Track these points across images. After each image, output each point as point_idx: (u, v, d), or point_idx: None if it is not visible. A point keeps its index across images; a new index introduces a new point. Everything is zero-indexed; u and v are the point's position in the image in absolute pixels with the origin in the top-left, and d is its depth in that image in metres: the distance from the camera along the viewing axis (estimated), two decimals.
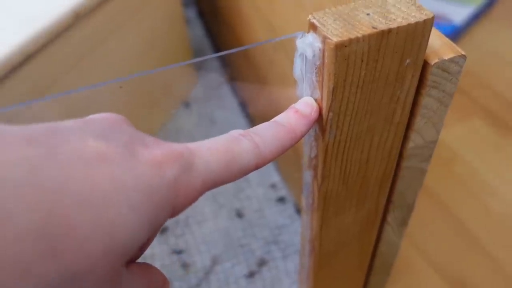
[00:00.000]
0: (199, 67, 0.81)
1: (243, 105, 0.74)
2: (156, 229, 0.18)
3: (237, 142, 0.21)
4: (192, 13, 0.92)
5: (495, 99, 0.81)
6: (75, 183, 0.15)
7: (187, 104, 0.75)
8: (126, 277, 0.18)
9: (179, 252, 0.57)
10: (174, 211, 0.18)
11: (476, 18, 0.95)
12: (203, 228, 0.60)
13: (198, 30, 0.89)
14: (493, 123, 0.77)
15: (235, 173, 0.20)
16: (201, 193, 0.19)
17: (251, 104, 0.68)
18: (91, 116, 0.19)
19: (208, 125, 0.71)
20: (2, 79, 0.42)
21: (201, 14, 0.91)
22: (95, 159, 0.16)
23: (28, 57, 0.44)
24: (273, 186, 0.64)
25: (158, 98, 0.69)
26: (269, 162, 0.22)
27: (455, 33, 0.90)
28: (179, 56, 0.74)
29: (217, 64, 0.82)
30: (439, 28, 0.90)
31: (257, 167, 0.21)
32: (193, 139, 0.66)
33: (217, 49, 0.85)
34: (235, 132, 0.21)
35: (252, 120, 0.71)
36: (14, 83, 0.44)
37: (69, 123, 0.17)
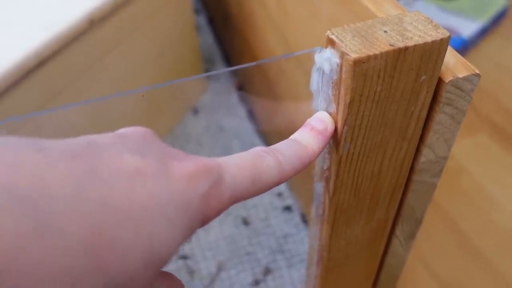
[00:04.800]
0: (209, 75, 0.81)
1: (252, 113, 0.74)
2: (188, 238, 0.18)
3: (261, 158, 0.21)
4: (202, 20, 0.93)
5: (502, 113, 0.81)
6: (116, 198, 0.16)
7: (195, 111, 0.76)
8: (157, 284, 0.18)
9: (185, 257, 0.58)
10: (204, 222, 0.19)
11: (484, 32, 0.96)
12: (209, 235, 0.60)
13: (208, 37, 0.90)
14: (500, 138, 0.77)
15: (260, 188, 0.21)
16: (228, 206, 0.20)
17: (261, 112, 0.69)
18: (124, 130, 0.20)
19: (216, 132, 0.72)
20: (18, 82, 0.43)
21: (212, 21, 0.92)
22: (133, 175, 0.17)
23: (43, 61, 0.45)
24: (279, 194, 0.64)
25: (167, 104, 0.70)
26: (289, 178, 0.22)
27: (464, 47, 0.91)
28: (189, 63, 0.74)
29: (227, 73, 0.83)
30: None
31: (279, 183, 0.22)
32: (201, 145, 0.67)
33: (227, 56, 0.86)
34: (258, 149, 0.22)
35: (261, 128, 0.71)
36: (29, 86, 0.44)
37: (105, 138, 0.18)
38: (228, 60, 0.85)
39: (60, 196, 0.15)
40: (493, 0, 1.00)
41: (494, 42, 0.96)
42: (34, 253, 0.14)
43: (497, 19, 0.98)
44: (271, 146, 0.23)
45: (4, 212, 0.14)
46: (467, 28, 0.93)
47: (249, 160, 0.21)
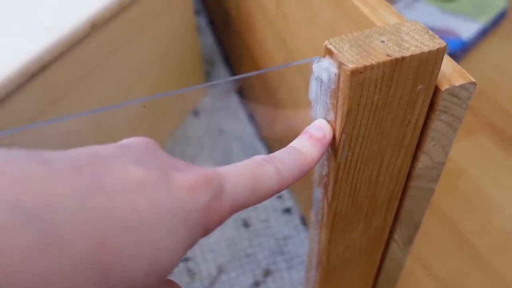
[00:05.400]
0: (209, 77, 0.82)
1: (252, 117, 0.74)
2: (190, 248, 0.19)
3: (261, 167, 0.22)
4: (203, 21, 0.93)
5: (501, 115, 0.81)
6: (119, 210, 0.16)
7: (196, 113, 0.76)
8: None
9: (185, 259, 0.58)
10: (205, 232, 0.19)
11: (484, 34, 0.96)
12: (210, 237, 0.60)
13: (208, 39, 0.90)
14: (499, 139, 0.77)
15: (260, 197, 0.21)
16: (229, 215, 0.20)
17: (260, 117, 0.69)
18: (126, 141, 0.20)
19: (217, 135, 0.72)
20: (20, 87, 0.43)
21: (212, 23, 0.92)
22: (135, 186, 0.17)
23: (45, 65, 0.45)
24: (279, 196, 0.65)
25: (168, 107, 0.70)
26: (289, 186, 0.23)
27: (463, 48, 0.91)
28: (190, 64, 0.75)
29: (227, 74, 0.83)
30: (448, 43, 0.91)
31: (278, 191, 0.22)
32: (201, 148, 0.67)
33: (227, 57, 0.86)
34: (258, 158, 0.22)
35: (261, 132, 0.72)
36: (31, 90, 0.45)
37: (108, 149, 0.18)
38: (228, 61, 0.86)
39: (64, 208, 0.15)
40: (492, 1, 1.00)
41: (494, 44, 0.96)
42: (38, 266, 0.14)
43: (497, 21, 0.99)
44: (270, 154, 0.23)
45: (8, 226, 0.14)
46: (467, 29, 0.93)
47: (249, 169, 0.21)
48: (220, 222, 0.20)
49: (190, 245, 0.19)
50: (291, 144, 0.25)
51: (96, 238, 0.15)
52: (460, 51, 0.90)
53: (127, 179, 0.17)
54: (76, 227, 0.15)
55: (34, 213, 0.14)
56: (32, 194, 0.15)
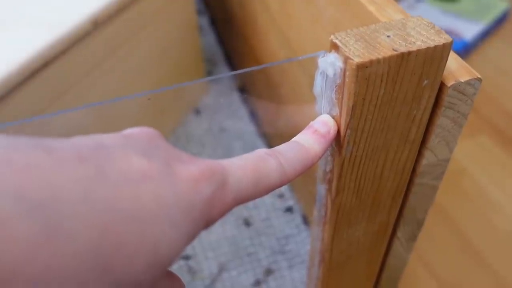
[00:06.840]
0: (210, 75, 0.82)
1: (254, 114, 0.74)
2: (191, 241, 0.18)
3: (264, 161, 0.22)
4: (204, 21, 0.93)
5: (503, 116, 0.81)
6: (123, 202, 0.16)
7: (197, 112, 0.76)
8: (160, 284, 0.19)
9: (186, 258, 0.58)
10: (207, 224, 0.19)
11: (486, 35, 0.96)
12: (211, 235, 0.60)
13: (210, 38, 0.90)
14: (502, 140, 0.77)
15: (262, 191, 0.21)
16: (231, 208, 0.20)
17: (263, 114, 0.69)
18: (130, 131, 0.20)
19: (218, 133, 0.72)
20: (21, 84, 0.43)
21: (214, 22, 0.92)
22: (139, 177, 0.17)
23: (47, 62, 0.45)
24: (281, 196, 0.65)
25: (169, 105, 0.70)
26: (292, 180, 0.23)
27: (465, 49, 0.91)
28: (191, 63, 0.75)
29: (229, 72, 0.83)
30: None
31: (281, 185, 0.22)
32: (203, 146, 0.67)
33: (229, 57, 0.86)
34: (261, 151, 0.22)
35: (263, 130, 0.72)
36: (34, 86, 0.45)
37: (112, 139, 0.18)
38: (230, 61, 0.86)
39: (69, 199, 0.15)
40: (494, 2, 1.00)
41: (496, 45, 0.96)
42: (43, 257, 0.14)
43: (499, 22, 0.99)
44: (273, 148, 0.23)
45: (12, 216, 0.14)
46: (469, 30, 0.93)
47: (252, 163, 0.21)
48: (222, 214, 0.20)
49: (192, 237, 0.18)
50: (294, 138, 0.25)
51: (99, 228, 0.15)
52: (462, 52, 0.90)
53: (131, 170, 0.17)
54: (80, 217, 0.15)
55: (38, 203, 0.14)
56: (36, 183, 0.14)
